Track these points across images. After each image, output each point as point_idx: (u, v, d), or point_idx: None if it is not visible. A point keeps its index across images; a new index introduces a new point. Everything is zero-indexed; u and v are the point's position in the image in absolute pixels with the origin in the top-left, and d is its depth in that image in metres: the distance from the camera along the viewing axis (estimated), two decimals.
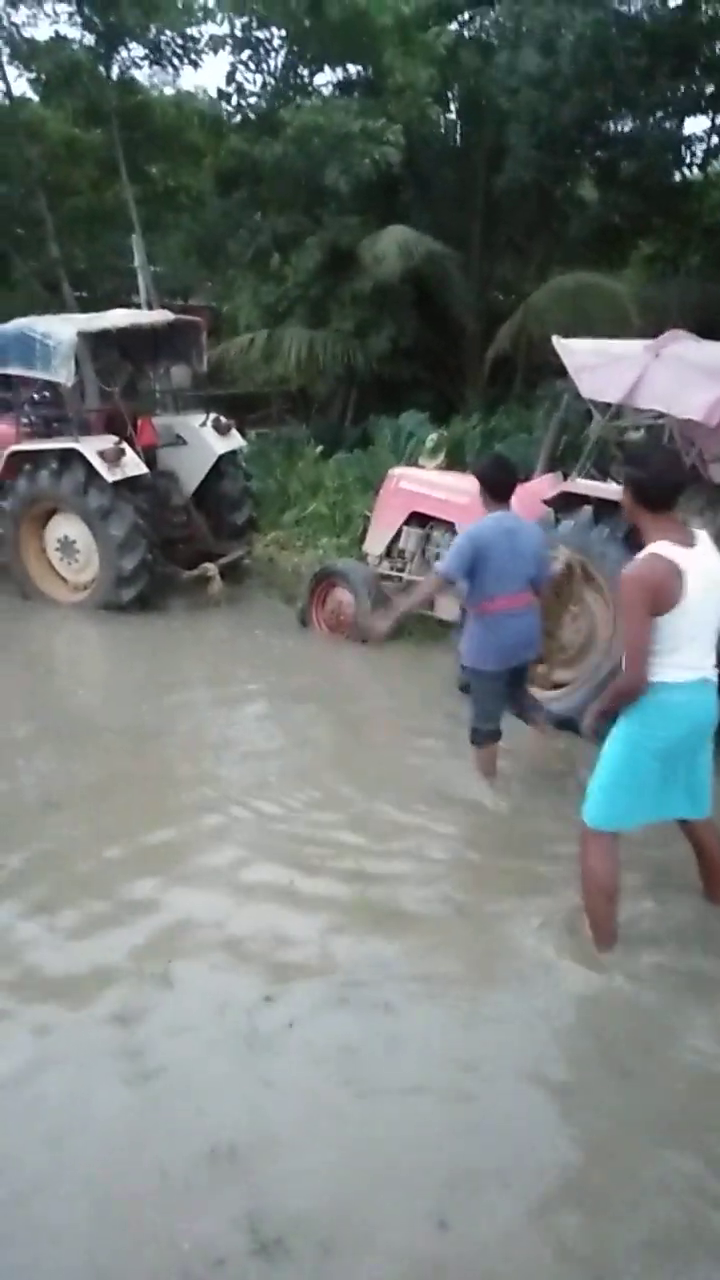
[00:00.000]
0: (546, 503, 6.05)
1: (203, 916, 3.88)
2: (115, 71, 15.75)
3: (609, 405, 5.88)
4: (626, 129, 12.98)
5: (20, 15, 15.06)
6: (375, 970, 3.52)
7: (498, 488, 4.80)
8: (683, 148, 13.49)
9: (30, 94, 16.60)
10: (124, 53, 15.67)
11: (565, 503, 5.90)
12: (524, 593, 4.81)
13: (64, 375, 8.21)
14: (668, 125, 13.14)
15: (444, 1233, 2.48)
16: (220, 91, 13.87)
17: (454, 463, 9.57)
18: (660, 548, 3.21)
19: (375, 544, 7.85)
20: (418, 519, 7.50)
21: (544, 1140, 2.77)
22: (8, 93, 15.70)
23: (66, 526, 8.68)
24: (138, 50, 15.71)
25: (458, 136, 14.19)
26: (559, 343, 6.07)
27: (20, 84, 16.49)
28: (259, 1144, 2.75)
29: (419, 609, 5.82)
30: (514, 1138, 2.78)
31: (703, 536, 3.34)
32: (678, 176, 13.99)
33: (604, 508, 5.67)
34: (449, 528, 7.27)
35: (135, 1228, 2.52)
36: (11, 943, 3.74)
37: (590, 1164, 2.70)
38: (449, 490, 7.31)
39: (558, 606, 5.61)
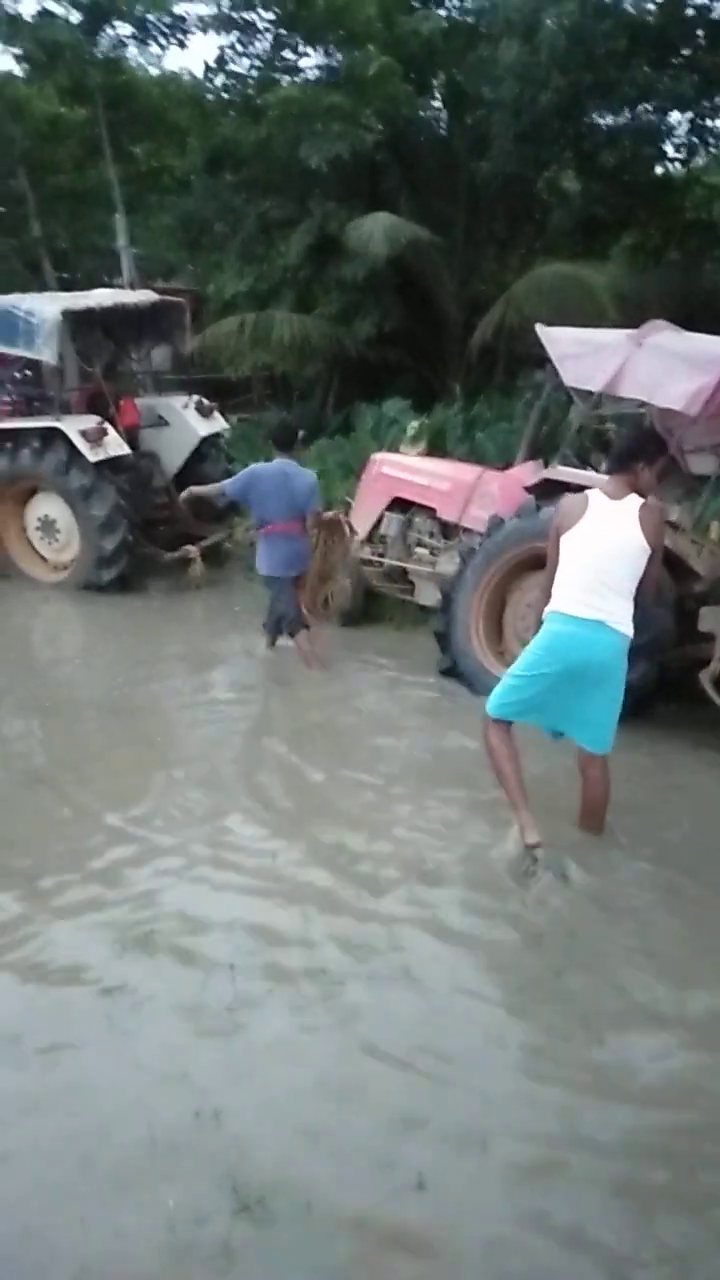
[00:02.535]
0: (528, 489, 6.11)
1: (185, 887, 3.93)
2: (101, 50, 15.62)
3: (591, 393, 5.95)
4: (608, 121, 13.04)
5: None
6: (361, 937, 3.58)
7: (280, 441, 6.47)
8: (664, 142, 13.60)
9: (16, 71, 16.48)
10: (110, 31, 15.56)
11: (546, 490, 5.96)
12: (294, 521, 6.37)
13: (47, 354, 8.20)
14: (649, 118, 13.20)
15: (421, 1193, 2.54)
16: (206, 70, 13.82)
17: (435, 450, 9.65)
18: (587, 492, 4.00)
19: (357, 528, 7.89)
20: (399, 504, 7.55)
21: (522, 1103, 2.85)
22: None
23: (47, 506, 8.67)
24: (124, 29, 15.62)
25: (442, 124, 14.20)
26: (542, 331, 6.13)
27: (4, 60, 16.37)
28: (242, 1108, 2.80)
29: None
30: (495, 1101, 2.85)
31: (631, 500, 3.91)
32: (660, 170, 14.09)
33: None
34: (430, 513, 7.32)
35: (121, 1186, 2.56)
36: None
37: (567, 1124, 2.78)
38: (431, 476, 7.36)
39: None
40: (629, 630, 3.95)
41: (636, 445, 4.09)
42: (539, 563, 5.94)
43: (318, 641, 6.73)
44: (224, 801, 4.68)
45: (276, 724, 5.73)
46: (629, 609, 3.95)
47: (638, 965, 3.49)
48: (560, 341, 6.07)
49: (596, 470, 6.28)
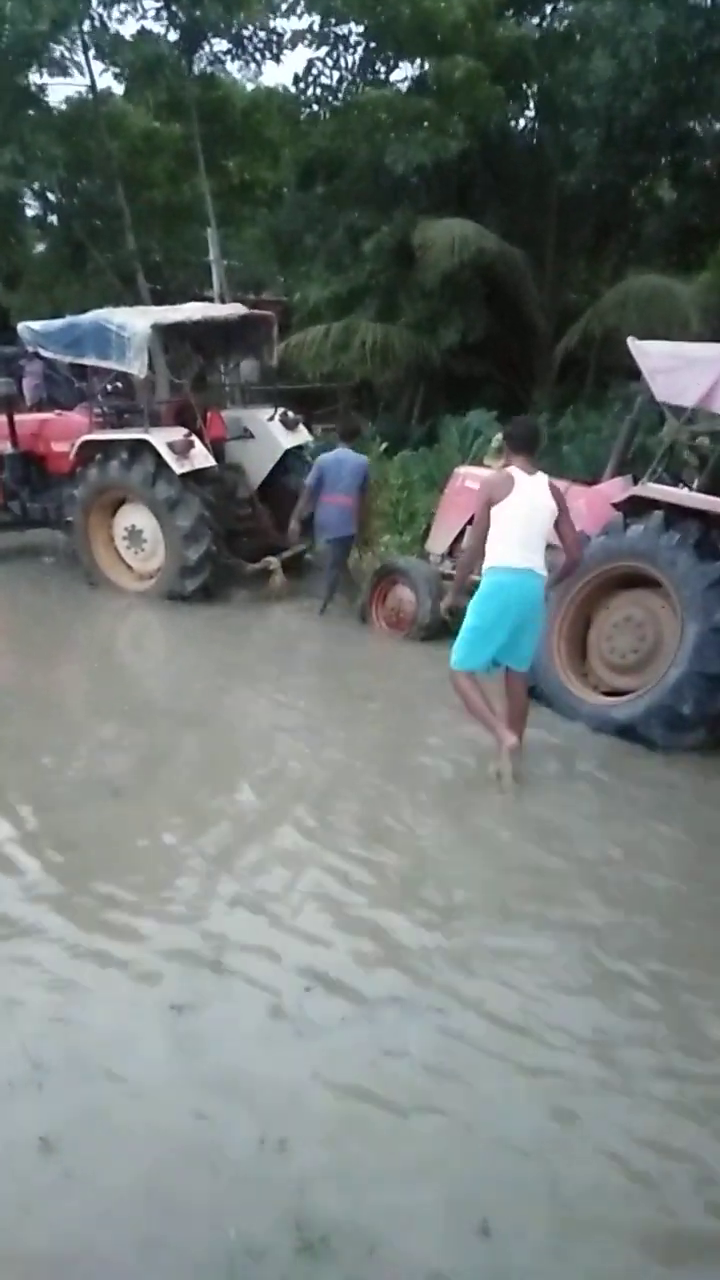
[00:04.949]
0: (616, 506, 5.98)
1: (255, 902, 3.91)
2: (198, 67, 15.89)
3: (683, 409, 5.79)
4: (705, 126, 12.73)
5: (109, 11, 15.27)
6: (427, 961, 3.51)
7: (344, 434, 8.70)
8: None
9: (114, 88, 16.87)
10: (206, 47, 15.82)
11: (634, 507, 5.82)
12: (347, 496, 8.04)
13: (137, 367, 8.31)
14: None
15: (486, 1240, 2.46)
16: (296, 81, 13.92)
17: None
18: (508, 470, 4.97)
19: (438, 543, 7.83)
20: None
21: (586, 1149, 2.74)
22: (92, 86, 15.94)
23: (134, 516, 8.79)
24: (220, 45, 15.86)
25: (533, 134, 14.07)
26: (634, 344, 6.00)
27: (104, 79, 16.76)
28: (307, 1138, 2.75)
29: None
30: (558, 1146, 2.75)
31: (540, 475, 4.97)
32: None
33: (675, 513, 5.58)
34: None
35: (184, 1212, 2.53)
36: (74, 926, 3.80)
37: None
38: None
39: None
40: (545, 575, 5.03)
41: (535, 435, 5.23)
42: (627, 581, 5.86)
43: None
44: (289, 818, 4.65)
45: (353, 740, 5.68)
46: (544, 559, 5.01)
47: None
48: (652, 355, 5.92)
49: (689, 488, 6.11)
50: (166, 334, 8.72)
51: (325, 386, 14.56)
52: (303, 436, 9.64)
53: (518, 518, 4.86)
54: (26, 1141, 2.71)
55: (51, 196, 17.27)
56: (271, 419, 9.39)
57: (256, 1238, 2.44)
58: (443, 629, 7.57)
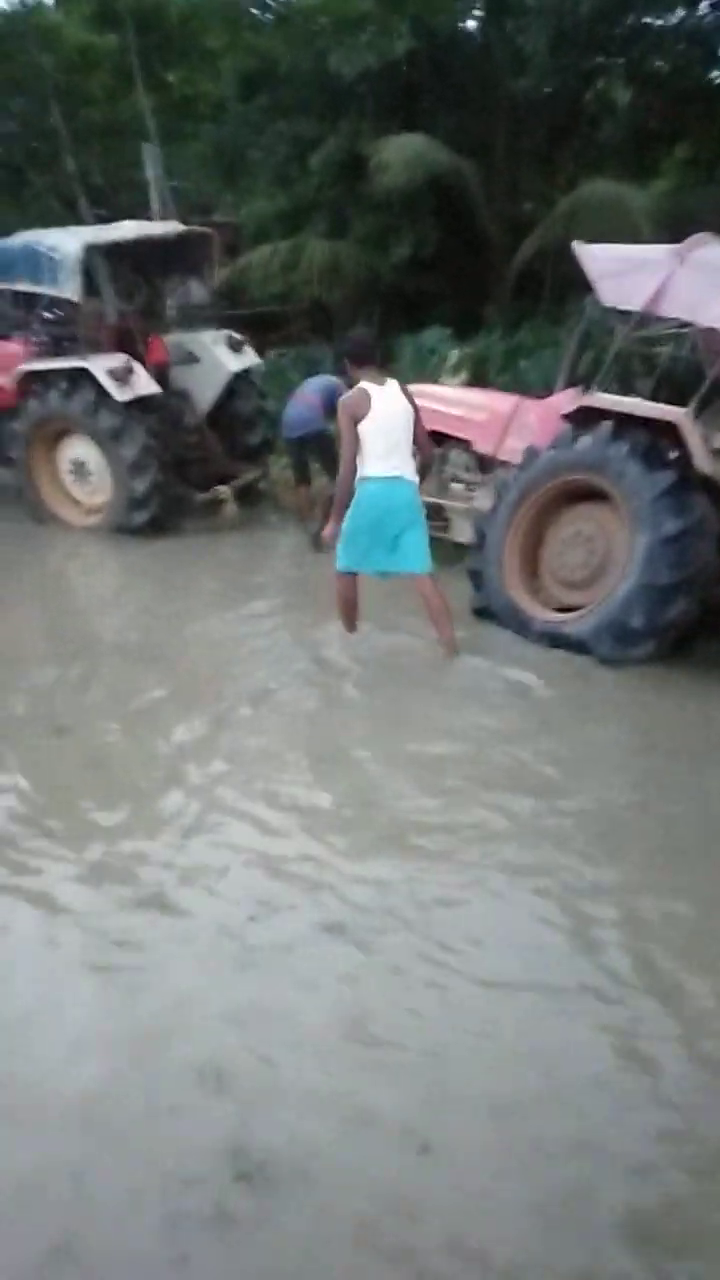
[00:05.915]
0: (565, 418, 5.83)
1: (206, 835, 3.84)
2: None
3: (631, 314, 5.61)
4: (658, 23, 12.24)
5: None
6: (373, 894, 3.46)
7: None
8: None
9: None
10: None
11: (584, 419, 5.67)
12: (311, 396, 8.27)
13: (71, 290, 7.98)
14: (705, 19, 12.37)
15: (425, 1157, 2.44)
16: None
17: (477, 381, 9.31)
18: (361, 385, 5.18)
19: None
20: (435, 438, 7.26)
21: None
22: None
23: (78, 448, 8.52)
24: None
25: (482, 36, 13.49)
26: (579, 248, 5.79)
27: None
28: (246, 1069, 2.71)
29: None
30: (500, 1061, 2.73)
31: (391, 382, 5.24)
32: (717, 74, 13.24)
33: (624, 423, 5.44)
34: (465, 446, 7.05)
35: (119, 1143, 2.50)
36: (15, 859, 3.72)
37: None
38: (465, 407, 7.08)
39: None
40: (416, 480, 5.32)
41: (372, 346, 5.50)
42: (577, 495, 5.73)
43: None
44: (256, 742, 4.59)
45: (308, 667, 5.56)
46: (413, 464, 5.31)
47: None
48: (599, 259, 5.72)
49: (641, 396, 5.96)
50: (101, 255, 8.34)
51: (279, 310, 14.14)
52: (250, 359, 9.33)
53: (379, 429, 5.11)
54: None
55: None
56: (217, 342, 9.08)
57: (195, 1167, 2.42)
58: None
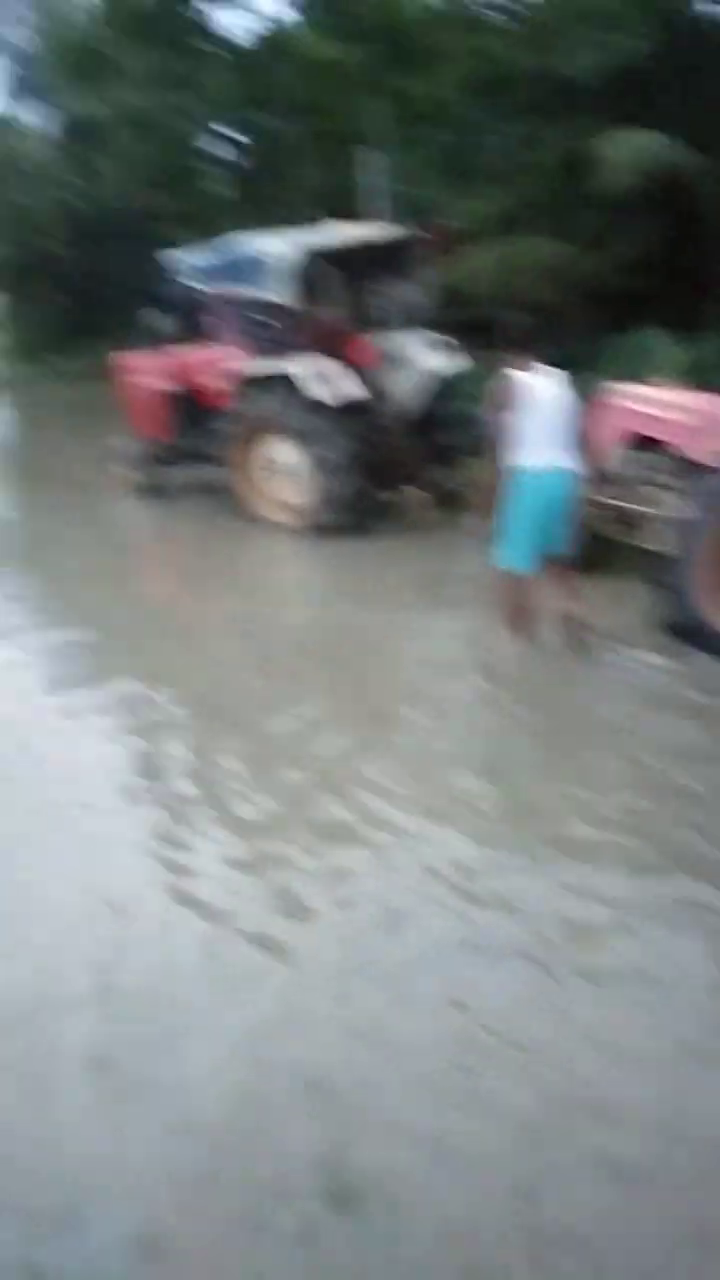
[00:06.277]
0: None
1: (350, 839, 3.84)
2: None
3: None
4: None
5: None
6: (517, 916, 3.30)
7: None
8: None
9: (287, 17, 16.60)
10: None
11: None
12: None
13: (287, 295, 8.15)
14: None
15: (530, 1206, 2.27)
16: None
17: (694, 383, 8.78)
18: (517, 373, 5.16)
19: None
20: (639, 442, 6.89)
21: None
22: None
23: (283, 449, 8.69)
24: None
25: None
26: None
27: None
28: (357, 1086, 2.63)
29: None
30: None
31: (552, 371, 5.24)
32: None
33: None
34: (667, 449, 6.64)
35: (216, 1148, 2.49)
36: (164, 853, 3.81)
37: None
38: (673, 408, 6.64)
39: None
40: (577, 470, 5.31)
41: (533, 330, 5.55)
42: None
43: None
44: (408, 752, 4.53)
45: (474, 672, 5.42)
46: (574, 455, 5.29)
47: None
48: None
49: None
50: (317, 259, 8.47)
51: (492, 313, 13.93)
52: (458, 364, 9.22)
53: (545, 415, 5.11)
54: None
55: (228, 134, 17.28)
56: (425, 346, 9.03)
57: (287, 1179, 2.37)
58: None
